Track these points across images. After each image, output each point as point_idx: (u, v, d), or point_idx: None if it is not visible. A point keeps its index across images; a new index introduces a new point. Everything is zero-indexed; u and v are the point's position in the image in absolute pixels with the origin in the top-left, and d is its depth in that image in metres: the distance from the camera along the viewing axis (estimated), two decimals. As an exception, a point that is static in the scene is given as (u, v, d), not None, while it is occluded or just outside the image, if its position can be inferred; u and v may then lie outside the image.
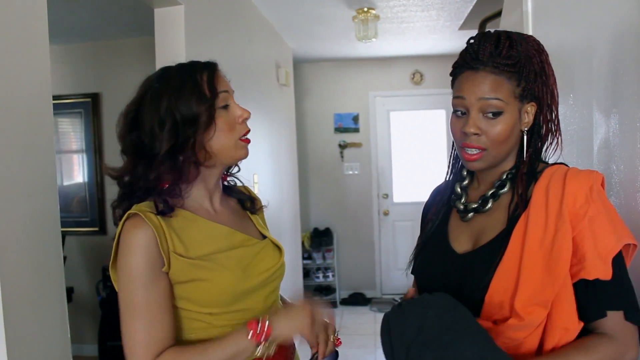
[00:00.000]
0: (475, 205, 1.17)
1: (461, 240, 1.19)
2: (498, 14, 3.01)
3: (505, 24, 2.52)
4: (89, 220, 4.39)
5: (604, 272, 1.00)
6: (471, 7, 4.03)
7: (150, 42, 4.21)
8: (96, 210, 4.39)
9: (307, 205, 6.11)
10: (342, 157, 6.18)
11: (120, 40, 4.34)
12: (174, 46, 2.35)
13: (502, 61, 1.08)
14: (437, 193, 1.35)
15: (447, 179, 1.31)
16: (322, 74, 6.13)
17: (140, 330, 1.05)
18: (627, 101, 1.33)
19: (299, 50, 5.37)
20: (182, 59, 2.25)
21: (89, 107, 4.40)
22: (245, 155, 1.21)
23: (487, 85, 1.08)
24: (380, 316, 5.49)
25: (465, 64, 1.13)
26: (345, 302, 6.02)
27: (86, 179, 4.42)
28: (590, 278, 1.00)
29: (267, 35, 4.19)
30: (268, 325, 1.07)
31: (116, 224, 1.14)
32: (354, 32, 4.29)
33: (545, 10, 1.93)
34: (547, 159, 1.19)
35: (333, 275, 5.97)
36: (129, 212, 1.11)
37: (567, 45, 1.73)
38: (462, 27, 4.59)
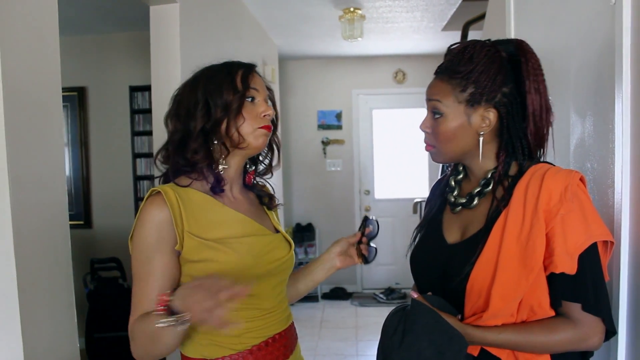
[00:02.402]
0: (463, 201, 1.27)
1: (452, 230, 1.29)
2: (481, 17, 3.11)
3: (488, 28, 2.63)
4: (74, 213, 4.40)
5: (570, 267, 1.08)
6: (454, 9, 4.15)
7: (138, 37, 4.27)
8: (82, 204, 4.40)
9: (290, 200, 6.18)
10: (325, 153, 6.26)
11: (107, 34, 4.36)
12: (169, 42, 2.40)
13: (454, 68, 1.20)
14: (438, 184, 1.46)
15: (447, 172, 1.42)
16: (306, 72, 6.20)
17: (138, 294, 1.18)
18: (601, 104, 1.43)
19: (285, 48, 5.44)
20: (177, 54, 2.33)
21: (75, 100, 4.40)
22: (263, 145, 1.31)
23: (433, 89, 1.23)
24: (361, 310, 5.63)
25: (435, 71, 1.28)
26: (327, 296, 6.12)
27: (72, 173, 4.43)
28: (557, 272, 1.09)
29: (255, 32, 4.25)
30: (167, 295, 1.12)
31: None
32: (340, 31, 4.38)
33: (527, 17, 2.03)
34: (541, 158, 1.27)
35: (315, 270, 6.05)
36: (152, 189, 1.21)
37: (547, 49, 1.83)
38: (445, 28, 4.71)
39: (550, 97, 1.77)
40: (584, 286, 1.09)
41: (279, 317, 1.32)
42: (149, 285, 1.16)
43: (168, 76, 2.38)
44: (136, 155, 4.33)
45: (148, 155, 4.32)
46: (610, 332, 1.13)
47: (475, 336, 1.12)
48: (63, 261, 1.46)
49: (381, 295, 5.94)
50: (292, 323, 1.39)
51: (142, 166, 4.33)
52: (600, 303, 1.10)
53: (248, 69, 1.31)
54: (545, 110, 1.22)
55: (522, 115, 1.21)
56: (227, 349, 1.23)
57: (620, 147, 1.31)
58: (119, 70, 4.37)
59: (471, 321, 1.15)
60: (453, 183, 1.34)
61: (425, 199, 1.50)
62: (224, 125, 1.25)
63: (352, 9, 4.07)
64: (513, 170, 1.23)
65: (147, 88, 4.25)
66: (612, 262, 1.30)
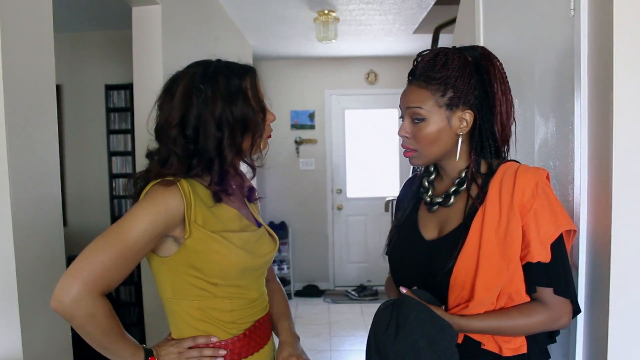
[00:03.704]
0: (440, 200, 1.35)
1: (429, 228, 1.36)
2: (452, 22, 3.24)
3: (458, 33, 2.75)
4: (48, 211, 4.38)
5: (545, 256, 1.20)
6: (425, 13, 4.28)
7: (114, 36, 4.29)
8: (55, 202, 4.38)
9: (263, 199, 6.21)
10: (297, 153, 6.34)
11: (82, 32, 4.34)
12: (151, 42, 2.45)
13: (431, 74, 1.27)
14: (409, 185, 1.53)
15: (417, 172, 1.50)
16: (279, 72, 6.26)
17: (102, 264, 1.11)
18: (562, 108, 1.54)
19: (259, 48, 5.49)
20: (159, 54, 2.39)
21: (49, 98, 4.38)
22: (265, 149, 1.37)
23: (412, 96, 1.29)
24: (333, 307, 5.71)
25: (407, 77, 1.34)
26: (300, 293, 6.19)
27: (45, 170, 4.41)
28: (534, 261, 1.20)
29: (231, 33, 4.31)
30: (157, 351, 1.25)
31: (136, 194, 1.27)
32: (314, 33, 4.46)
33: (495, 24, 2.15)
34: (507, 156, 1.37)
35: (288, 268, 6.13)
36: (166, 177, 1.23)
37: (514, 55, 1.95)
38: (416, 31, 4.84)
39: (516, 100, 1.89)
40: (555, 272, 1.21)
41: (261, 305, 1.41)
42: (122, 264, 1.14)
43: (150, 75, 2.44)
44: (112, 154, 4.34)
45: (123, 153, 4.33)
46: (576, 311, 1.26)
47: (462, 324, 1.22)
48: (58, 254, 1.52)
49: (353, 292, 6.05)
50: (269, 310, 1.47)
51: (118, 164, 4.34)
52: (569, 286, 1.23)
53: (254, 76, 1.33)
54: (511, 110, 1.33)
55: (490, 115, 1.31)
56: (223, 333, 1.32)
57: (579, 147, 1.43)
58: (95, 68, 4.37)
59: (456, 311, 1.25)
60: (426, 184, 1.42)
61: (396, 198, 1.57)
62: (247, 145, 1.30)
63: (326, 11, 4.16)
64: (483, 168, 1.33)
65: (123, 87, 4.30)
66: (571, 248, 1.43)
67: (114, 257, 1.13)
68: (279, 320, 1.49)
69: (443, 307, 1.26)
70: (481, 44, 2.22)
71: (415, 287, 1.26)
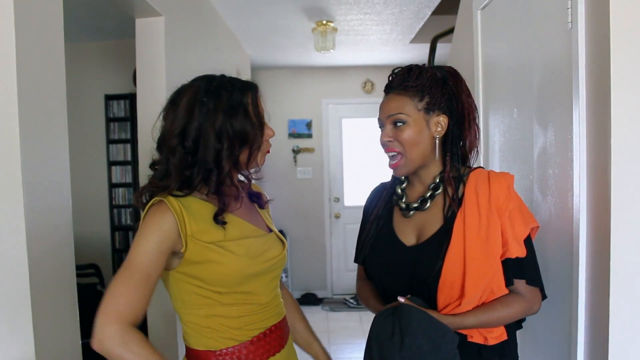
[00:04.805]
0: (416, 205, 1.43)
1: (406, 233, 1.44)
2: (449, 32, 3.29)
3: (456, 43, 2.79)
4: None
5: (521, 252, 1.31)
6: (422, 23, 4.33)
7: (114, 46, 4.32)
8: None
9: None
10: (295, 161, 6.37)
11: (82, 43, 4.38)
12: (154, 53, 2.49)
13: (408, 84, 1.38)
14: (376, 194, 1.59)
15: (389, 181, 1.57)
16: (277, 81, 6.29)
17: (129, 290, 1.19)
18: (560, 117, 1.58)
19: (257, 58, 5.54)
20: (162, 65, 2.42)
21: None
22: (262, 164, 1.40)
23: (393, 104, 1.39)
24: (331, 315, 5.70)
25: (384, 91, 1.45)
26: (298, 302, 6.15)
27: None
28: (513, 257, 1.31)
29: (230, 43, 4.36)
30: None
31: (142, 208, 1.31)
32: (311, 42, 4.51)
33: (493, 34, 2.19)
34: (472, 164, 1.46)
35: (286, 276, 6.14)
36: (155, 198, 1.27)
37: (512, 65, 1.99)
38: (413, 40, 4.89)
39: (514, 109, 1.93)
40: (528, 265, 1.34)
41: (274, 310, 1.42)
42: (141, 291, 1.20)
43: (154, 86, 2.47)
44: (111, 163, 4.36)
45: (123, 163, 4.35)
46: (543, 297, 1.38)
47: (456, 323, 1.30)
48: (68, 261, 1.55)
49: (351, 300, 6.06)
50: (285, 317, 1.48)
51: (118, 174, 4.36)
52: (538, 276, 1.36)
53: (255, 92, 1.37)
54: (476, 122, 1.44)
55: (458, 124, 1.41)
56: (230, 340, 1.33)
57: (578, 155, 1.47)
58: (94, 78, 4.40)
59: (447, 311, 1.32)
60: (400, 191, 1.49)
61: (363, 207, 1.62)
62: (244, 158, 1.33)
63: (324, 22, 4.21)
64: (453, 173, 1.42)
65: (123, 97, 4.33)
66: (572, 254, 1.48)
67: (133, 287, 1.20)
68: (309, 342, 1.59)
69: (437, 311, 1.33)
70: (479, 55, 2.27)
71: (408, 296, 1.32)
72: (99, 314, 1.17)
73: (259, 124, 1.34)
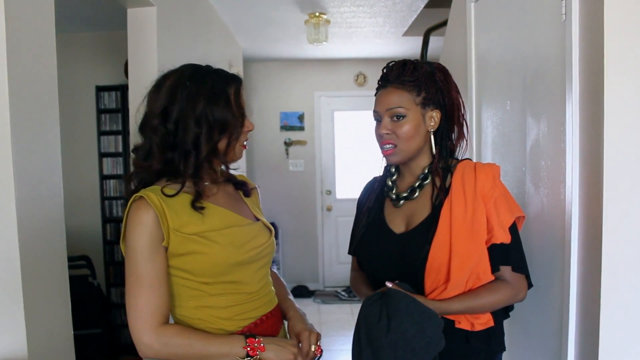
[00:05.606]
0: (406, 194, 1.48)
1: (396, 222, 1.48)
2: (442, 24, 3.29)
3: (449, 36, 2.79)
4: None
5: (506, 238, 1.36)
6: (415, 16, 4.33)
7: (105, 37, 4.29)
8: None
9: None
10: (287, 154, 6.36)
11: (73, 34, 4.32)
12: (146, 44, 2.47)
13: (405, 78, 1.42)
14: (369, 187, 1.64)
15: (380, 175, 1.61)
16: (270, 73, 6.28)
17: (142, 298, 1.23)
18: (552, 109, 1.59)
19: (249, 50, 5.51)
20: (154, 56, 2.40)
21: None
22: (240, 158, 1.41)
23: (392, 98, 1.43)
24: (323, 307, 5.71)
25: (379, 85, 1.49)
26: (290, 294, 6.21)
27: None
28: (497, 242, 1.35)
29: (223, 35, 4.33)
30: (262, 346, 1.28)
31: (127, 198, 1.31)
32: (304, 35, 4.49)
33: (486, 27, 2.19)
34: (459, 156, 1.50)
35: (277, 269, 6.14)
36: (135, 195, 1.27)
37: (506, 58, 2.00)
38: (406, 33, 4.89)
39: (507, 102, 1.94)
40: (513, 252, 1.38)
41: (264, 299, 1.42)
42: (155, 287, 1.24)
43: (145, 76, 2.41)
44: (102, 155, 4.33)
45: (114, 154, 4.32)
46: (529, 285, 1.41)
47: (442, 308, 1.34)
48: (60, 253, 1.53)
49: (343, 293, 6.08)
50: (277, 305, 1.48)
51: (109, 165, 4.33)
52: (524, 263, 1.40)
53: (238, 85, 1.38)
54: (464, 116, 1.48)
55: (448, 118, 1.46)
56: (221, 331, 1.32)
57: (570, 147, 1.48)
58: (85, 69, 4.36)
59: (434, 296, 1.36)
60: (390, 183, 1.54)
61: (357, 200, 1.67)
62: (222, 145, 1.33)
63: (317, 14, 4.19)
64: (442, 164, 1.46)
65: (114, 88, 4.29)
66: (564, 245, 1.48)
67: (145, 295, 1.23)
68: (282, 300, 1.53)
69: (424, 296, 1.36)
70: (472, 47, 2.27)
71: (396, 281, 1.35)
72: (131, 332, 1.23)
73: (240, 115, 1.35)
